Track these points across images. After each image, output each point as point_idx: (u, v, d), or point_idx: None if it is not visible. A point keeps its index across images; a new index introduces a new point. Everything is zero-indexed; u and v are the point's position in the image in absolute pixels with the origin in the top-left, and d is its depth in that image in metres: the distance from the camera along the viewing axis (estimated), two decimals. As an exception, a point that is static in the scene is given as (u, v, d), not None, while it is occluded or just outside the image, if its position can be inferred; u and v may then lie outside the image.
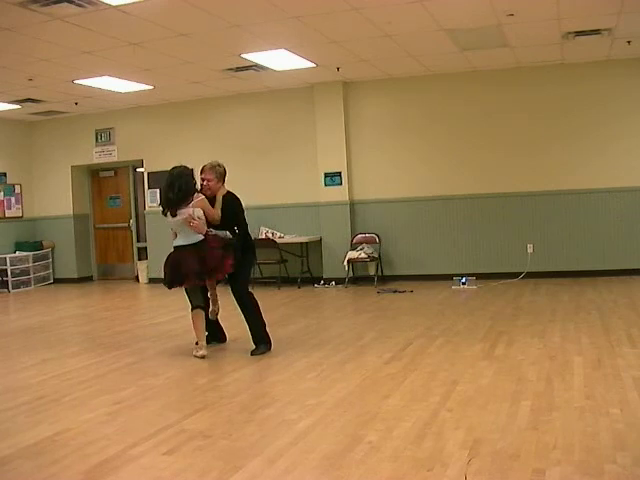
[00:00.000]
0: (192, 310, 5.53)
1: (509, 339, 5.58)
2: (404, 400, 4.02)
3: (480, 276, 9.23)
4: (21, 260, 11.42)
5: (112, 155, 11.59)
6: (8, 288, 11.09)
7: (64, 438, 3.57)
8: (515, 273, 9.49)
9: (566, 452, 3.03)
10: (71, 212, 11.93)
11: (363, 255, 9.71)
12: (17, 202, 11.85)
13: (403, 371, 4.70)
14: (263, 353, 5.46)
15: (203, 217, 5.42)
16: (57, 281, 11.98)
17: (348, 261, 9.76)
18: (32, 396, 4.48)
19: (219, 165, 5.64)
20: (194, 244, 5.38)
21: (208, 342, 5.65)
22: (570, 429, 3.33)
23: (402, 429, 3.47)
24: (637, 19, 7.15)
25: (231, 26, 6.83)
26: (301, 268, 10.29)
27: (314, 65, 8.82)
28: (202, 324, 5.51)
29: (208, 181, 5.56)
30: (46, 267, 11.92)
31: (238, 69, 8.86)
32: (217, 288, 5.70)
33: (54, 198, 11.97)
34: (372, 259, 9.77)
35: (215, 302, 5.66)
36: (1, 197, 11.55)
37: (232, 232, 5.51)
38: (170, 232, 5.64)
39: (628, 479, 2.75)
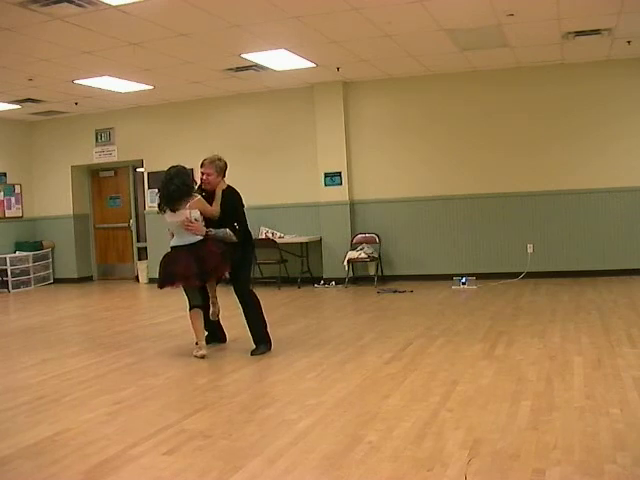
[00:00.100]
0: (190, 310, 5.50)
1: (509, 339, 5.58)
2: (404, 400, 4.01)
3: (480, 276, 9.23)
4: (21, 260, 11.42)
5: (112, 155, 11.59)
6: (8, 288, 11.09)
7: (64, 438, 3.57)
8: (515, 273, 9.49)
9: (566, 452, 3.03)
10: (71, 212, 11.93)
11: (363, 255, 9.71)
12: (17, 202, 11.85)
13: (403, 371, 4.70)
14: (263, 353, 5.44)
15: (200, 218, 5.40)
16: (57, 281, 11.98)
17: (348, 261, 9.76)
18: (32, 396, 4.47)
19: (219, 159, 5.54)
20: (191, 244, 5.36)
21: (208, 342, 5.64)
22: (570, 429, 3.34)
23: (402, 429, 3.47)
24: (637, 19, 7.15)
25: (231, 26, 6.84)
26: (301, 268, 10.29)
27: (314, 65, 8.82)
28: (201, 324, 5.48)
29: (208, 175, 5.49)
30: (46, 267, 11.92)
31: (238, 69, 8.86)
32: (217, 288, 5.68)
33: (54, 198, 11.97)
34: (372, 259, 9.77)
35: (215, 303, 5.62)
36: (1, 197, 11.55)
37: (232, 228, 5.43)
38: (167, 232, 5.62)
39: (628, 479, 2.75)
